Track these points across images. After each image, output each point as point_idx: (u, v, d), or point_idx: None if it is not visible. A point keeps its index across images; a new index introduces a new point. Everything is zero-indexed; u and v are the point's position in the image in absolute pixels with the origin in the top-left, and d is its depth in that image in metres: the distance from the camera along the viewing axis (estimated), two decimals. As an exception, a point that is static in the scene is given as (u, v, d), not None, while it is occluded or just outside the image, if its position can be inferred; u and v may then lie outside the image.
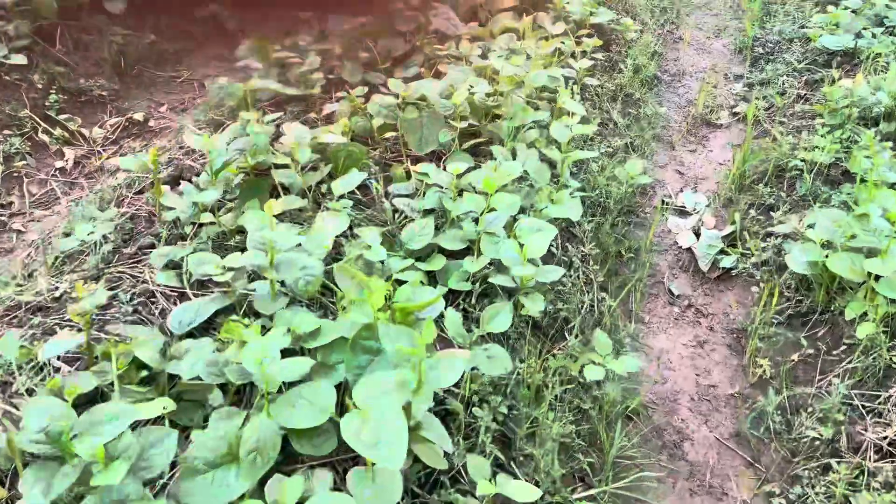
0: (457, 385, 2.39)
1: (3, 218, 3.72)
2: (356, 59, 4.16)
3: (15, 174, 3.94)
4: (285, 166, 3.01)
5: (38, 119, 4.19)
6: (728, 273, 3.61)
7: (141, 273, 2.77)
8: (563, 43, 4.63)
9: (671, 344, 3.28)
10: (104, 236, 3.02)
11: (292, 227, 2.86)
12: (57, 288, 2.72)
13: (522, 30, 4.37)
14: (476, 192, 3.08)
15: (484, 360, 2.35)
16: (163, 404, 2.11)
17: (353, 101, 3.55)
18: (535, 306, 2.68)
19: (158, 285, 2.69)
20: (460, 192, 3.07)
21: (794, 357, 3.00)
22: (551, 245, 3.27)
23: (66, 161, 4.13)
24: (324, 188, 3.10)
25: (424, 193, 3.06)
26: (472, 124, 3.56)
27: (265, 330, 2.35)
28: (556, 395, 2.63)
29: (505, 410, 2.42)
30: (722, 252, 3.67)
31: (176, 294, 2.68)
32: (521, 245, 2.72)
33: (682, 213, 4.10)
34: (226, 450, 1.85)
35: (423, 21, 4.42)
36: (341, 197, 2.92)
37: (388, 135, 3.51)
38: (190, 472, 1.81)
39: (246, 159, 3.07)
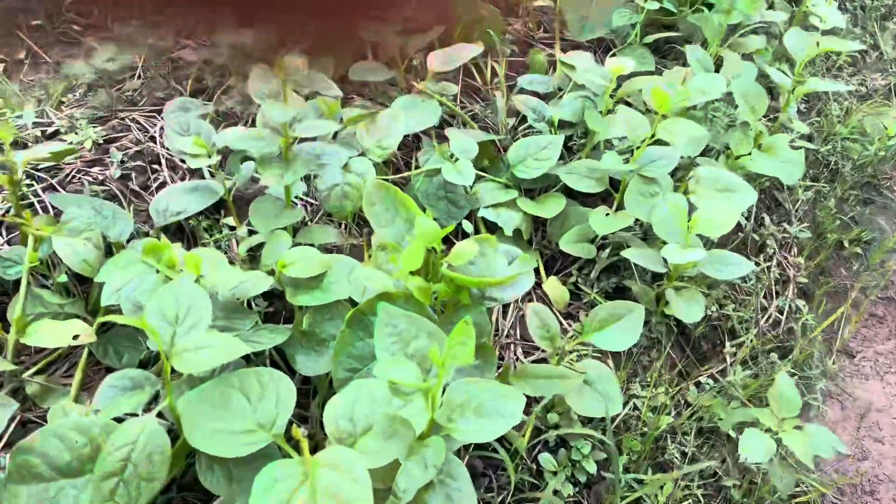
0: (527, 410, 1.48)
1: (77, 28, 3.13)
2: None
3: (105, -20, 3.33)
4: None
5: (146, -80, 3.51)
6: None
7: (154, 126, 2.03)
8: (834, -78, 3.21)
9: (888, 399, 2.13)
10: (145, 63, 2.32)
11: (364, 109, 2.00)
12: (51, 124, 2.06)
13: None
14: (645, 111, 2.03)
15: (573, 387, 1.40)
16: (74, 330, 1.39)
17: (509, -51, 2.51)
18: (688, 311, 1.66)
19: (166, 149, 1.95)
20: (619, 104, 2.02)
21: None
22: (742, 213, 2.17)
23: (170, -23, 3.45)
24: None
25: (563, 97, 2.04)
26: (667, 10, 2.41)
27: (254, 254, 1.55)
28: (685, 455, 1.66)
29: (593, 468, 1.50)
30: None
31: (186, 167, 1.93)
32: (692, 210, 1.67)
33: (952, 203, 2.76)
34: (87, 451, 1.10)
35: None
36: (440, 76, 1.98)
37: (542, 3, 2.46)
38: (21, 475, 1.08)
39: (332, 0, 2.18)
